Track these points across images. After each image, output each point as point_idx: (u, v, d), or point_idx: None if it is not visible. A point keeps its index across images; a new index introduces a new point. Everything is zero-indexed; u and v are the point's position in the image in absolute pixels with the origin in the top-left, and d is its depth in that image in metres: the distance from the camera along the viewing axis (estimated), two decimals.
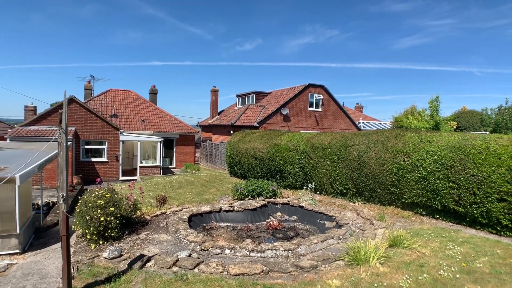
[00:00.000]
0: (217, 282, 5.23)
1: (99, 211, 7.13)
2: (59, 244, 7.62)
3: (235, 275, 5.52)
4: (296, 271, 5.72)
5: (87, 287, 5.22)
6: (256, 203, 10.61)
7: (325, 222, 9.39)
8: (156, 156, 21.82)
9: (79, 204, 7.50)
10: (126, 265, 5.94)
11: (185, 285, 5.18)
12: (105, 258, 6.25)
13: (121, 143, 20.21)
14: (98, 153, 20.03)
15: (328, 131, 27.39)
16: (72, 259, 6.48)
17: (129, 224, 8.20)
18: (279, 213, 10.65)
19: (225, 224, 9.53)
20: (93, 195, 7.58)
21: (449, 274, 5.48)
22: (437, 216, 9.02)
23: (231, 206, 10.11)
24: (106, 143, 19.84)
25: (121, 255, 6.35)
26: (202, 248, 6.72)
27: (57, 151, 10.43)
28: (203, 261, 6.06)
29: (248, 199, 11.58)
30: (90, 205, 7.27)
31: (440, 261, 6.03)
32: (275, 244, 6.82)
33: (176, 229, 7.77)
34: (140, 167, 20.79)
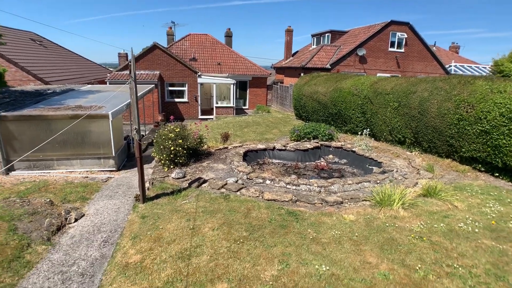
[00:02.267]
0: (250, 203, 6.51)
1: (169, 142, 8.88)
2: (144, 166, 9.79)
3: (267, 200, 6.72)
4: (321, 203, 6.64)
5: (157, 196, 7.02)
6: (309, 144, 11.42)
7: (373, 167, 9.82)
8: (230, 98, 23.55)
9: (155, 136, 9.38)
10: (187, 184, 7.62)
11: (226, 202, 6.59)
12: (173, 178, 8.04)
13: (199, 85, 22.29)
14: (181, 94, 22.56)
15: (410, 74, 25.41)
16: (149, 177, 8.48)
17: (196, 154, 9.93)
18: (330, 156, 11.34)
19: (277, 161, 10.69)
20: (166, 129, 9.35)
21: (470, 228, 5.59)
22: (496, 174, 8.64)
23: (284, 146, 11.15)
24: (186, 85, 22.13)
25: (184, 177, 8.07)
26: (248, 177, 8.04)
27: (142, 92, 12.51)
28: (245, 187, 7.38)
29: (304, 141, 12.42)
30: (163, 137, 9.06)
31: (469, 215, 6.12)
32: (311, 180, 7.75)
33: (231, 160, 9.21)
34: (216, 107, 22.87)
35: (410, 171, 8.96)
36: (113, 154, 9.24)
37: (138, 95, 11.73)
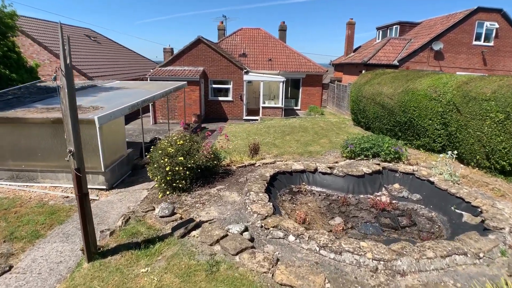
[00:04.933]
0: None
1: (166, 160, 6.33)
2: (143, 185, 7.46)
3: (280, 284, 3.75)
4: None
5: (116, 249, 4.48)
6: (366, 167, 8.04)
7: (463, 213, 6.20)
8: (279, 97, 20.60)
9: (151, 149, 6.92)
10: (170, 230, 4.98)
11: (207, 279, 3.78)
12: (156, 215, 5.46)
13: (245, 82, 19.72)
14: (225, 92, 20.26)
15: (500, 74, 19.81)
16: (134, 207, 6.04)
17: (209, 174, 7.27)
18: (396, 185, 7.83)
19: (318, 189, 7.54)
20: (165, 141, 6.83)
21: None
22: None
23: (330, 168, 7.93)
24: (231, 82, 19.71)
25: (172, 214, 5.44)
26: (263, 224, 5.11)
27: (161, 91, 10.20)
28: (252, 247, 4.48)
29: (360, 159, 9.04)
30: (160, 152, 6.55)
31: None
32: (362, 244, 4.54)
33: (248, 190, 6.36)
34: (262, 107, 20.11)
35: None
36: (103, 169, 7.00)
37: (148, 97, 9.47)
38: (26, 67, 13.26)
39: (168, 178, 6.31)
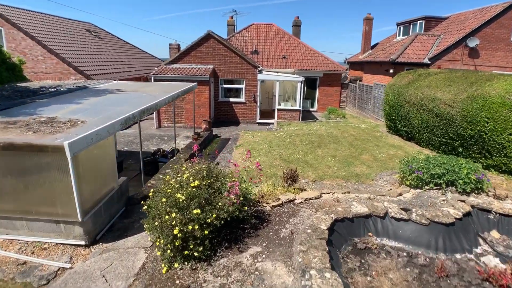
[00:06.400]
0: None
1: (173, 215, 3.83)
2: (139, 238, 4.97)
3: None
4: None
5: None
6: (450, 207, 5.53)
7: None
8: (296, 99, 18.03)
9: (151, 193, 4.40)
10: None
11: None
12: None
13: (259, 82, 17.16)
14: (237, 92, 17.72)
15: None
16: None
17: (235, 224, 4.77)
18: (495, 234, 5.33)
19: (393, 243, 5.03)
20: (172, 180, 4.31)
21: None
22: None
23: (405, 210, 5.42)
24: (244, 82, 17.15)
25: None
26: None
27: (165, 97, 7.68)
28: None
29: (429, 188, 6.55)
30: (164, 200, 4.04)
31: None
32: None
33: (305, 263, 3.85)
34: (278, 110, 17.53)
35: None
36: (79, 218, 4.51)
37: (165, 98, 6.96)
38: (8, 64, 10.79)
39: (176, 244, 3.83)
